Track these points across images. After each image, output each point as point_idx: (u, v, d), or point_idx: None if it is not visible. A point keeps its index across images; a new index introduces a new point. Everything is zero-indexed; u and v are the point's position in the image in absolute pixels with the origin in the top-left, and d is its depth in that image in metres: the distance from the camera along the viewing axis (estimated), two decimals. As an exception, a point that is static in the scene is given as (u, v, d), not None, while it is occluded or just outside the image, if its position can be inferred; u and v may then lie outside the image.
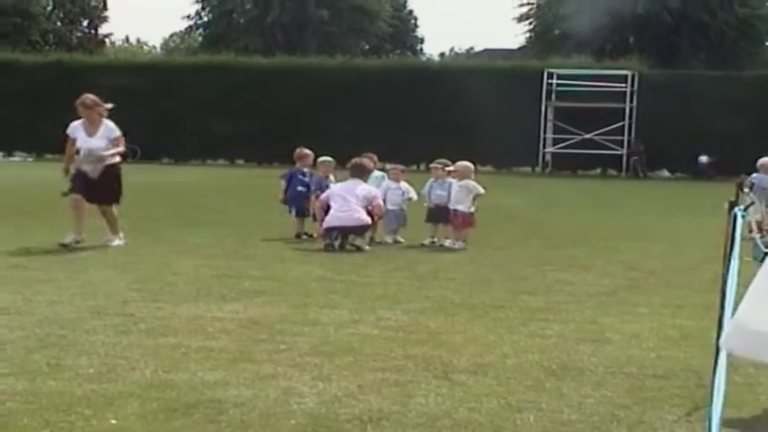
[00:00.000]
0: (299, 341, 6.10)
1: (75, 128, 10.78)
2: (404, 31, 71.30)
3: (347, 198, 11.38)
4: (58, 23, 62.31)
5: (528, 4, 55.15)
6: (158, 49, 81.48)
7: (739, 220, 4.04)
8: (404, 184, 12.41)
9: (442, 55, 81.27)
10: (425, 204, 12.22)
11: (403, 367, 5.53)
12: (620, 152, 35.74)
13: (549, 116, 36.33)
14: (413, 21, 74.23)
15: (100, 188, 10.61)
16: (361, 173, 11.94)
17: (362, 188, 11.64)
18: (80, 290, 7.79)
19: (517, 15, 55.45)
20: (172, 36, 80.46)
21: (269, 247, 11.12)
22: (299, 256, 10.56)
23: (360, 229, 11.31)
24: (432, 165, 12.75)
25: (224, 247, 11.10)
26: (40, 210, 14.34)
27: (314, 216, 12.09)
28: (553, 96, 36.27)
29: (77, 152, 10.75)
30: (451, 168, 12.21)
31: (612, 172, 36.30)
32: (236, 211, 15.98)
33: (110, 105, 10.89)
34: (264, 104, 36.49)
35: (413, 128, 34.34)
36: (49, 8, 61.58)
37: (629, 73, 35.96)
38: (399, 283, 8.73)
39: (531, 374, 5.46)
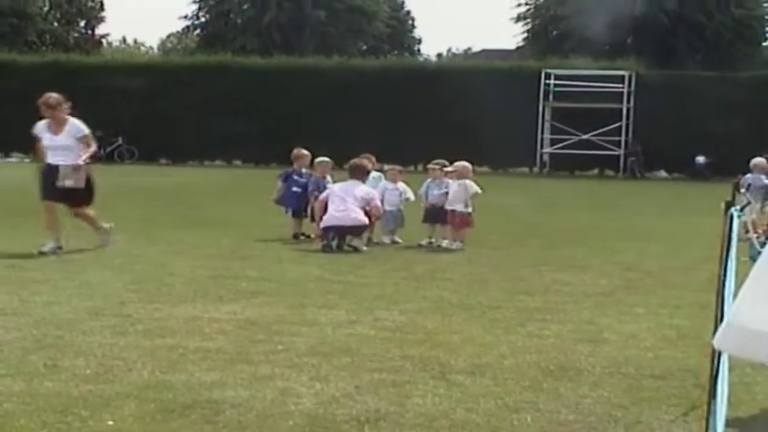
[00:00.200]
0: (296, 342, 6.10)
1: (41, 128, 10.67)
2: (401, 31, 71.26)
3: (345, 198, 11.40)
4: (55, 24, 62.18)
5: (525, 4, 55.16)
6: (155, 50, 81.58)
7: (736, 221, 4.04)
8: (401, 185, 12.42)
9: (439, 56, 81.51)
10: (422, 205, 12.24)
11: (400, 368, 5.53)
12: (617, 153, 35.74)
13: (547, 117, 36.31)
14: (410, 21, 74.18)
15: (71, 192, 10.44)
16: (360, 174, 11.95)
17: (361, 189, 11.66)
18: (77, 290, 7.79)
19: (514, 15, 55.54)
20: (169, 36, 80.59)
21: (266, 248, 11.12)
22: (296, 256, 10.56)
23: (357, 230, 11.32)
24: (429, 165, 12.76)
25: (221, 247, 11.10)
26: (37, 210, 14.28)
27: (311, 216, 12.10)
28: (550, 97, 36.24)
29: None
30: (450, 169, 12.21)
31: (610, 172, 36.28)
32: (234, 212, 15.96)
33: (68, 103, 10.69)
34: (262, 105, 36.41)
35: (411, 128, 34.29)
36: (46, 9, 61.47)
37: (626, 74, 35.95)
38: (397, 283, 8.73)
39: (529, 375, 5.46)
